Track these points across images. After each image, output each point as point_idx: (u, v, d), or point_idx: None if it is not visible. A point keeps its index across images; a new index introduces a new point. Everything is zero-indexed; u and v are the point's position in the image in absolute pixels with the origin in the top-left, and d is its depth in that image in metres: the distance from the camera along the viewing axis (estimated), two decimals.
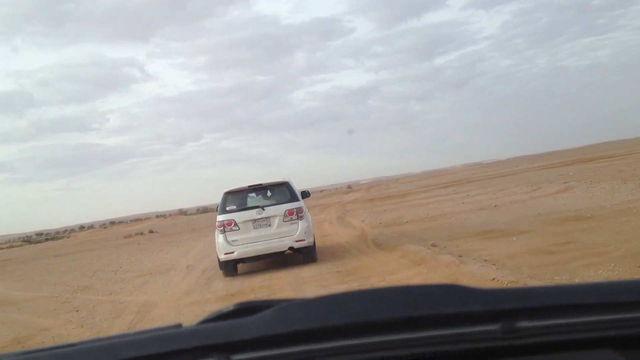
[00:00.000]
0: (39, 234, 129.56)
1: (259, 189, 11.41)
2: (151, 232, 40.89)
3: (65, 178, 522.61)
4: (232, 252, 10.65)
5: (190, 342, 1.04)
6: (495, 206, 16.45)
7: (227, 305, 1.19)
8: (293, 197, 11.04)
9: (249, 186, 11.25)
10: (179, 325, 1.19)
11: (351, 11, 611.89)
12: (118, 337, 1.16)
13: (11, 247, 64.17)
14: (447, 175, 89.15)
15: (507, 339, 1.01)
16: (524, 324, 1.01)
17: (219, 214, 10.92)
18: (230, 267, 10.93)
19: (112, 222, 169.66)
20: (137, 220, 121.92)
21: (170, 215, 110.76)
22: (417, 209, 21.32)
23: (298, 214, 10.82)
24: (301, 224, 10.79)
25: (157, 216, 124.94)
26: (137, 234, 41.23)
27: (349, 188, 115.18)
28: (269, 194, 11.54)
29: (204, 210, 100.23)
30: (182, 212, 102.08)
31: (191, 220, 60.14)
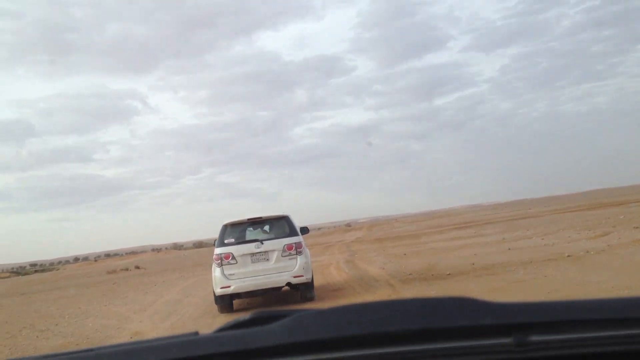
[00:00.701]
0: (33, 265, 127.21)
1: (259, 222, 11.15)
2: (137, 267, 39.48)
3: (63, 208, 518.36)
4: (229, 287, 10.28)
5: (207, 349, 1.05)
6: (568, 255, 12.58)
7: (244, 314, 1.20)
8: (292, 232, 10.77)
9: (248, 219, 11.00)
10: (196, 333, 1.19)
11: (353, 50, 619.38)
12: (136, 343, 1.17)
13: None
14: (449, 216, 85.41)
15: (519, 352, 1.00)
16: (536, 337, 1.01)
17: (217, 247, 10.62)
18: (226, 302, 10.55)
19: (108, 255, 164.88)
20: (132, 253, 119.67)
21: (165, 248, 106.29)
22: (446, 254, 17.82)
23: (297, 249, 10.55)
24: (300, 259, 10.50)
25: (153, 249, 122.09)
26: (122, 269, 39.46)
27: (348, 226, 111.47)
28: (267, 227, 11.26)
29: (199, 244, 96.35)
30: (177, 247, 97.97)
31: (182, 256, 58.39)
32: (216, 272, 10.44)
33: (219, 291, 10.36)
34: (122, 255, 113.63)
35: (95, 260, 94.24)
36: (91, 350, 1.16)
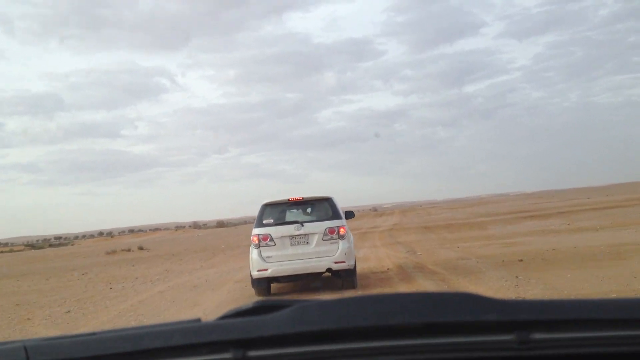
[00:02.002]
0: (58, 237, 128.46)
1: (300, 203, 10.63)
2: (140, 248, 35.65)
3: (90, 183, 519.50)
4: (266, 270, 9.81)
5: (209, 336, 1.05)
6: None
7: (247, 302, 1.21)
8: (335, 215, 10.20)
9: (289, 199, 10.44)
10: (198, 320, 1.19)
11: (384, 33, 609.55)
12: (138, 328, 1.18)
13: (1, 252, 55.07)
14: (485, 204, 77.10)
15: (521, 349, 0.99)
16: (538, 335, 1.00)
17: (255, 227, 10.19)
18: (263, 286, 10.10)
19: (132, 230, 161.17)
20: (156, 229, 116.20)
21: (189, 226, 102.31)
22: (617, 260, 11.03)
23: (339, 232, 9.95)
24: (342, 244, 9.91)
25: (177, 227, 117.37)
26: (124, 249, 35.99)
27: (375, 211, 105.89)
28: (309, 209, 10.76)
29: (220, 224, 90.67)
30: (197, 226, 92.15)
31: (196, 237, 54.64)
32: (253, 253, 10.01)
33: (255, 274, 9.92)
34: (145, 231, 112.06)
35: (112, 237, 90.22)
36: (94, 334, 1.17)
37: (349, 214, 11.01)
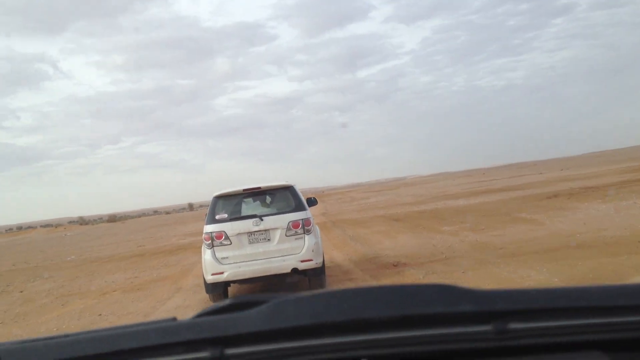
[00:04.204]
0: None
1: (257, 193, 9.30)
2: None
3: None
4: (222, 273, 8.58)
5: (185, 335, 1.03)
6: None
7: (223, 300, 1.21)
8: (299, 206, 8.95)
9: (244, 190, 9.12)
10: (174, 319, 1.15)
11: (274, 17, 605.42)
12: (113, 329, 1.14)
13: None
14: (406, 186, 72.34)
15: (498, 340, 0.98)
16: (515, 325, 0.99)
17: (207, 223, 8.88)
18: (219, 291, 8.90)
19: (20, 227, 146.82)
20: (47, 226, 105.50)
21: (69, 222, 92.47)
22: None
23: (305, 226, 8.78)
24: (308, 240, 8.74)
25: (71, 222, 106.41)
26: None
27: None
28: (268, 200, 9.46)
29: (112, 218, 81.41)
30: (83, 221, 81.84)
31: (61, 237, 46.54)
32: (206, 254, 8.72)
33: (210, 278, 8.64)
34: (36, 227, 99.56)
35: None
36: (67, 335, 1.12)
37: (312, 202, 9.95)
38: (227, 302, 1.13)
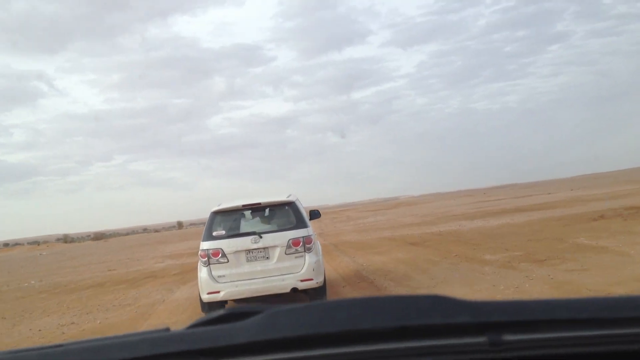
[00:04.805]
0: None
1: (257, 209, 8.86)
2: None
3: None
4: (218, 292, 8.17)
5: (178, 346, 1.00)
6: None
7: (217, 310, 1.16)
8: (300, 223, 8.46)
9: (243, 205, 8.70)
10: (167, 329, 1.13)
11: (273, 39, 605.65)
12: (106, 339, 1.12)
13: None
14: (402, 206, 69.00)
15: (493, 351, 0.96)
16: (510, 337, 0.97)
17: (203, 240, 8.43)
18: (215, 310, 7.79)
19: (7, 244, 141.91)
20: (34, 242, 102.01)
21: (57, 240, 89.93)
22: None
23: (305, 244, 8.27)
24: (309, 258, 8.25)
25: (57, 239, 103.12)
26: None
27: None
28: (268, 217, 8.97)
29: (99, 236, 77.94)
30: (68, 239, 77.94)
31: (35, 257, 41.79)
32: (202, 272, 8.33)
33: (206, 297, 8.27)
34: (23, 244, 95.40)
35: None
36: (60, 345, 1.11)
37: (315, 214, 9.56)
38: (220, 312, 1.10)
